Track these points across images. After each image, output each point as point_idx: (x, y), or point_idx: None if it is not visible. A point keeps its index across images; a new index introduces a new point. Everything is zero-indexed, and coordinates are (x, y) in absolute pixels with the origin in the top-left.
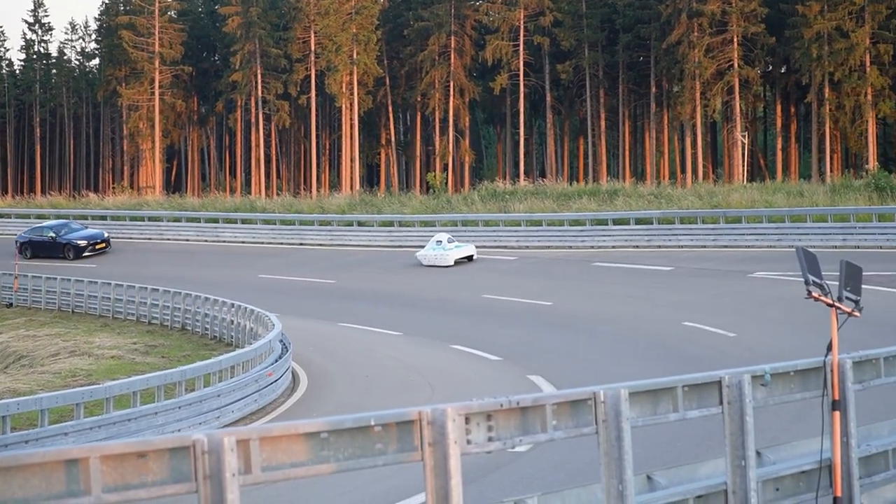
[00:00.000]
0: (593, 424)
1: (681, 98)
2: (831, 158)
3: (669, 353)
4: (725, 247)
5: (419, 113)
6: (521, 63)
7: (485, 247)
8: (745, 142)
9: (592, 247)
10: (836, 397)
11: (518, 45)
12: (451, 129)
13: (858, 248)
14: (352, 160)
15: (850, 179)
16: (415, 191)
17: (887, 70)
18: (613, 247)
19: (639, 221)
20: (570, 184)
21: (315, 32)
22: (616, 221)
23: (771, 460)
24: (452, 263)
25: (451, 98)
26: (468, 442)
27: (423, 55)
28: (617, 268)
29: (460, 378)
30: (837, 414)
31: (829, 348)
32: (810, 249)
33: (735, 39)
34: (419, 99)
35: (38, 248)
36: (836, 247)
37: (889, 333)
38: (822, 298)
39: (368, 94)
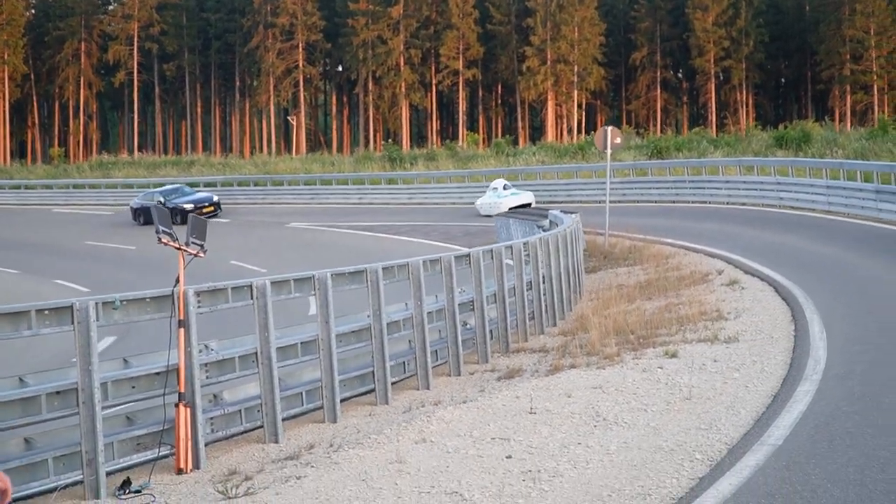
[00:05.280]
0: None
1: (259, 90)
2: (375, 136)
3: None
4: (271, 203)
5: (57, 101)
6: (136, 63)
7: (88, 204)
8: (293, 123)
9: None
10: (182, 318)
11: (133, 49)
12: (82, 114)
13: (372, 204)
14: (4, 138)
15: (371, 153)
16: (48, 162)
17: (417, 69)
18: None
19: (207, 185)
20: (166, 156)
21: None
22: (190, 185)
23: (134, 365)
24: (507, 211)
25: (82, 90)
26: None
27: (60, 57)
28: None
29: None
30: (183, 330)
31: (177, 280)
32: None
33: (300, 45)
34: (58, 91)
35: (150, 214)
36: (354, 203)
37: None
38: (171, 244)
39: (17, 87)
